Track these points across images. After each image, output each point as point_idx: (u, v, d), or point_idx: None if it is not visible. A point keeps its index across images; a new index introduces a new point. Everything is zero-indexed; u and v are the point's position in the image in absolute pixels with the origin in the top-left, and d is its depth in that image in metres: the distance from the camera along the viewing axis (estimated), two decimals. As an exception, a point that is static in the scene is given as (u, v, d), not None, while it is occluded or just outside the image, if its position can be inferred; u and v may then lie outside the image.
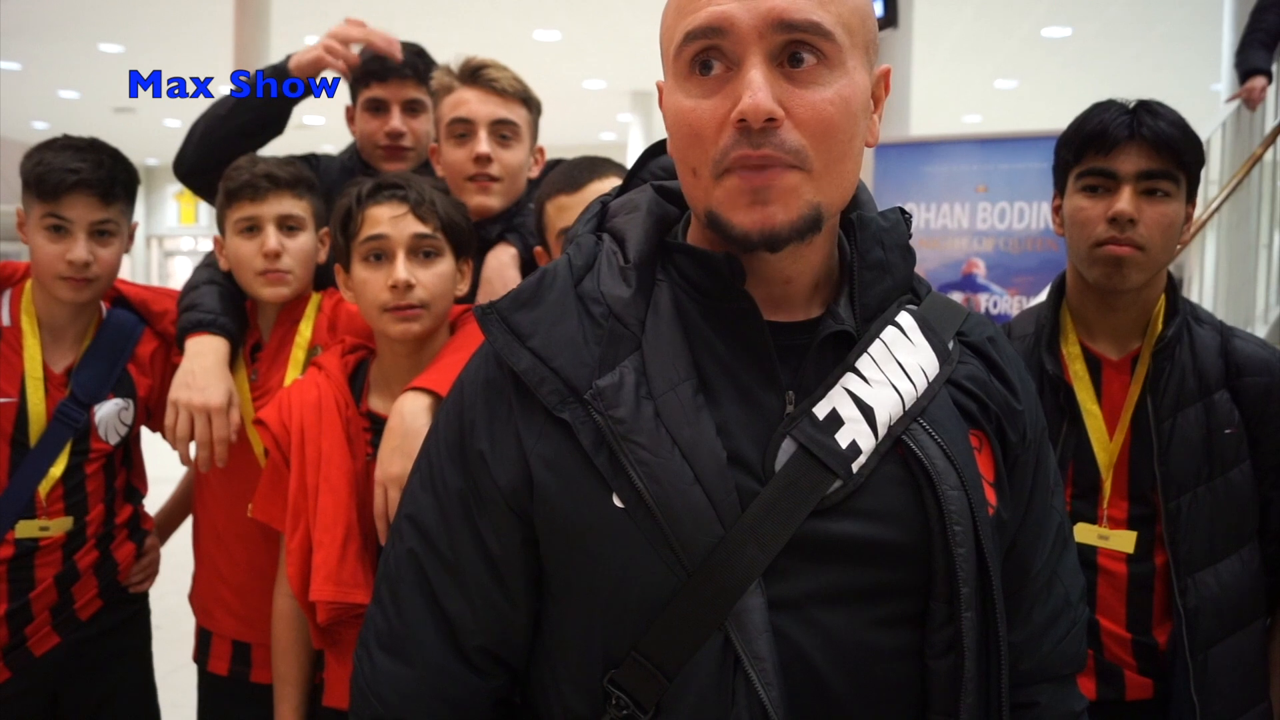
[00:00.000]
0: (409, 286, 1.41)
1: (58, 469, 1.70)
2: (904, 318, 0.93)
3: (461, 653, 0.93)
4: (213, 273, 1.79)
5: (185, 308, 1.74)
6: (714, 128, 0.82)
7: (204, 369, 1.64)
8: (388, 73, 1.98)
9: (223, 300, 1.73)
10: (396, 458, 1.37)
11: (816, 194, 0.82)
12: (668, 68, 0.87)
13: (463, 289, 1.52)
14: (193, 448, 1.64)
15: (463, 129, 1.79)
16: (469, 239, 1.51)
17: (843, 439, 0.85)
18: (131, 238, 1.77)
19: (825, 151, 0.82)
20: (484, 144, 1.76)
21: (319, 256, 1.78)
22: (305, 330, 1.74)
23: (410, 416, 1.38)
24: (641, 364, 0.86)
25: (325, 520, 1.41)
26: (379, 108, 2.02)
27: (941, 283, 3.96)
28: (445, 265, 1.46)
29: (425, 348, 1.48)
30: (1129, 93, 1.51)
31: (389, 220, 1.43)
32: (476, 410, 0.92)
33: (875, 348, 0.90)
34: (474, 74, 1.79)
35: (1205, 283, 4.39)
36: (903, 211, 0.97)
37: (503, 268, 1.73)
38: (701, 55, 0.82)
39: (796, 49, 0.81)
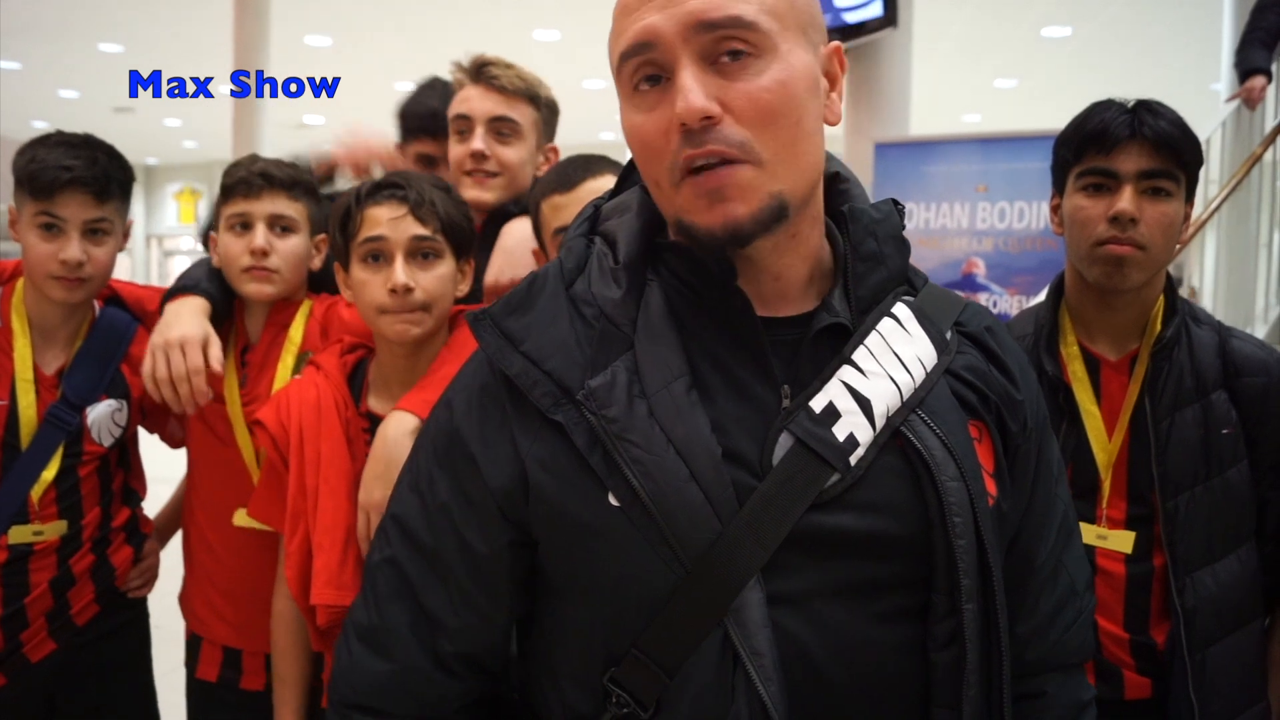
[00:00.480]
0: (408, 290, 1.39)
1: (50, 472, 1.67)
2: (900, 309, 0.93)
3: (436, 654, 0.94)
4: (206, 259, 1.79)
5: (174, 282, 1.75)
6: (661, 138, 0.83)
7: (177, 314, 1.63)
8: (439, 130, 1.96)
9: (210, 274, 1.73)
10: (378, 485, 1.35)
11: (774, 183, 0.83)
12: (617, 87, 0.89)
13: (463, 289, 1.50)
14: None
15: (462, 125, 1.80)
16: (470, 239, 1.50)
17: (840, 432, 0.85)
18: (127, 236, 1.73)
19: (772, 139, 0.82)
20: (479, 140, 1.77)
21: (313, 262, 1.76)
22: (295, 335, 1.72)
23: (393, 443, 1.36)
24: (634, 363, 0.87)
25: (325, 523, 1.39)
26: (430, 163, 2.02)
27: (941, 283, 3.95)
28: (445, 267, 1.44)
29: (424, 348, 1.47)
30: (1129, 92, 1.50)
31: (388, 222, 1.41)
32: (470, 415, 0.93)
33: (871, 340, 0.90)
34: (478, 71, 1.80)
35: (1205, 282, 4.39)
36: (895, 202, 0.98)
37: (525, 239, 1.69)
38: (640, 71, 0.84)
39: (724, 45, 0.82)
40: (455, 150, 1.80)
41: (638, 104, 0.86)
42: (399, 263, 1.40)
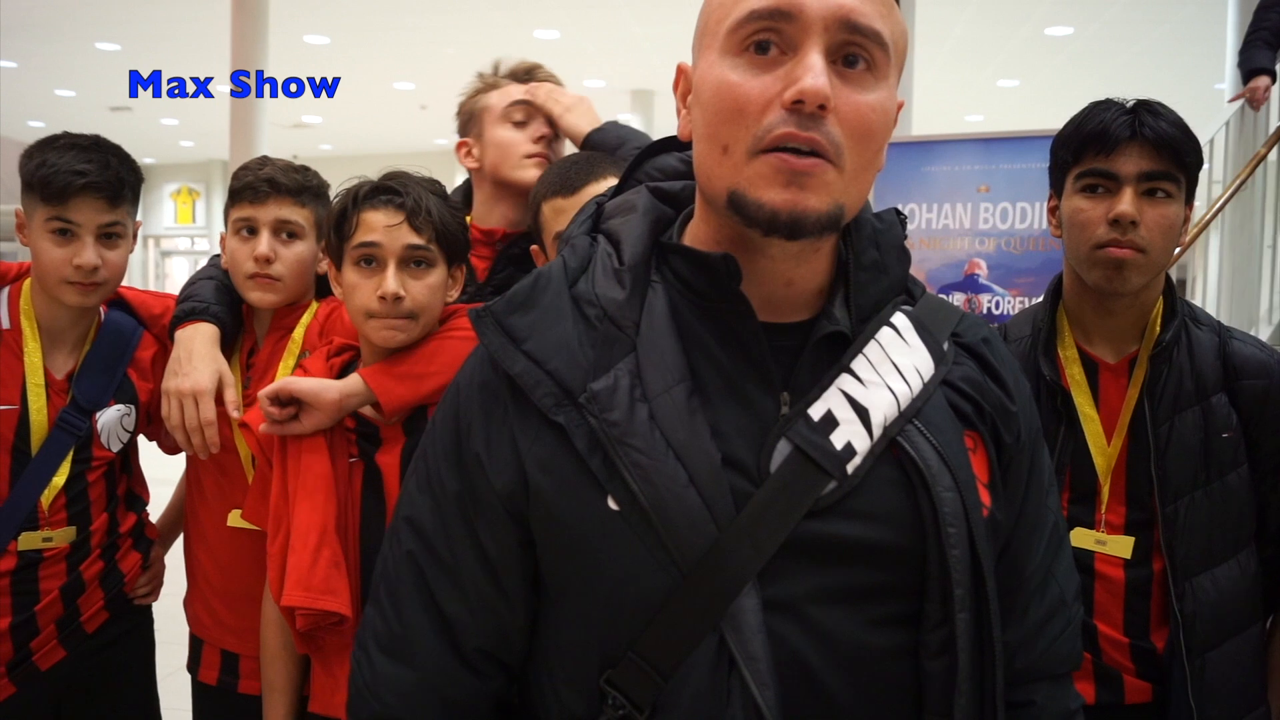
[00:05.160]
0: (397, 299, 1.39)
1: (60, 478, 1.65)
2: (899, 319, 0.93)
3: (460, 654, 0.93)
4: (213, 269, 1.78)
5: (181, 299, 1.73)
6: (760, 105, 0.82)
7: (189, 354, 1.63)
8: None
9: (218, 292, 1.72)
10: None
11: (843, 194, 0.83)
12: (712, 42, 0.86)
13: (453, 295, 1.50)
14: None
15: (527, 112, 1.87)
16: (462, 247, 1.50)
17: (838, 440, 0.85)
18: (135, 237, 1.72)
19: (859, 154, 0.83)
20: (545, 126, 1.86)
21: (319, 267, 1.74)
22: (299, 336, 1.71)
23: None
24: (636, 367, 0.86)
25: (300, 526, 1.39)
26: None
27: (943, 283, 3.93)
28: (436, 276, 1.44)
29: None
30: (1132, 92, 1.49)
31: (383, 229, 1.40)
32: (472, 413, 0.92)
33: (870, 349, 0.90)
34: (528, 74, 1.90)
35: (1209, 283, 4.38)
36: (898, 213, 0.98)
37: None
38: (759, 35, 0.82)
39: (854, 51, 0.82)
40: (516, 135, 1.86)
41: (741, 64, 0.83)
42: (391, 271, 1.40)
